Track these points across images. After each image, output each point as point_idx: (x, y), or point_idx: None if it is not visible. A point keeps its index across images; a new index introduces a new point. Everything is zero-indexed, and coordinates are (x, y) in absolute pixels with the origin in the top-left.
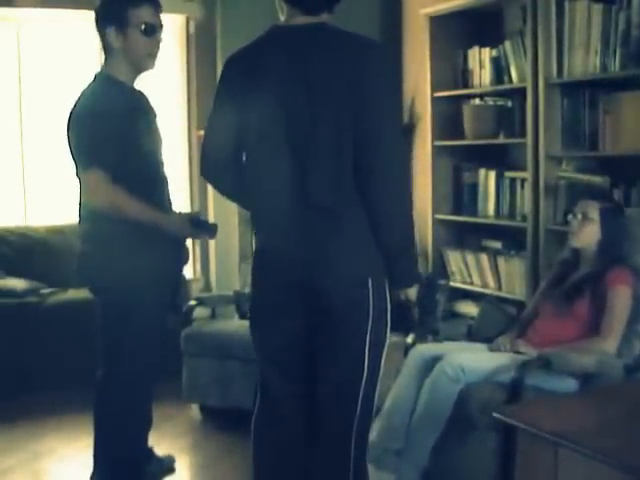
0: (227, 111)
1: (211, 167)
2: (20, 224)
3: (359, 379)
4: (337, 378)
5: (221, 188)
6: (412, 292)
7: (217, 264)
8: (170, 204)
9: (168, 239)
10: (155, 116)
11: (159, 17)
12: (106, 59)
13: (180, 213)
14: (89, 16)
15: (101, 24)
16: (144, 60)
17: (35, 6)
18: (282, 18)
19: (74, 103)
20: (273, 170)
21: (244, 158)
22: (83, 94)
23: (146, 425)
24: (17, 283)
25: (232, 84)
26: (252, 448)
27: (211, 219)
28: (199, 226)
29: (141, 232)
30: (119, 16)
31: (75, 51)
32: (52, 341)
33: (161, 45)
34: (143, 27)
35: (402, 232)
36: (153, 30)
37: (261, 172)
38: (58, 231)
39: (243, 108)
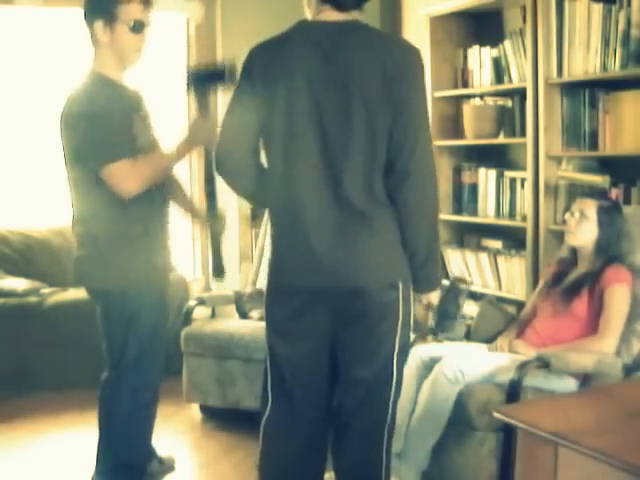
0: (249, 106)
1: (228, 164)
2: (21, 224)
3: (389, 384)
4: (369, 383)
5: (237, 186)
6: (434, 296)
7: None
8: (167, 203)
9: (161, 236)
10: (148, 115)
11: (148, 14)
12: (94, 55)
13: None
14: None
15: (89, 16)
16: (130, 55)
17: (35, 5)
18: (309, 13)
19: (66, 103)
20: (302, 171)
21: (266, 157)
22: (76, 94)
23: (150, 427)
24: (17, 283)
25: (257, 76)
26: (262, 451)
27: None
28: (211, 80)
29: (135, 232)
30: (108, 10)
31: (77, 50)
32: (52, 341)
33: (147, 40)
34: (132, 24)
35: (430, 236)
36: (141, 27)
37: (289, 172)
38: (58, 231)
39: (269, 103)
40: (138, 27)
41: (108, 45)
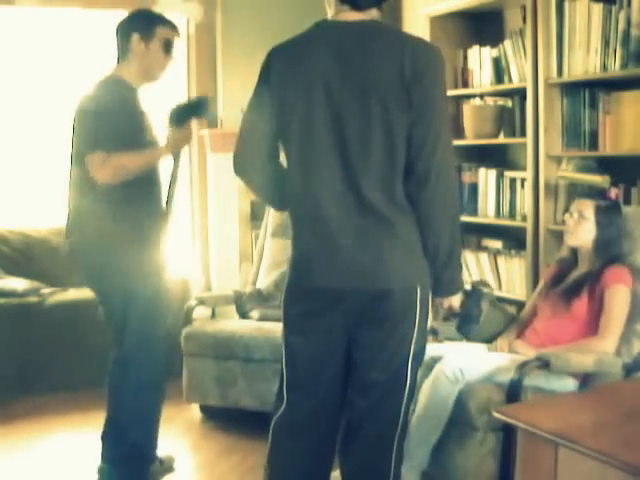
0: (266, 108)
1: (244, 165)
2: (21, 224)
3: (402, 389)
4: (382, 387)
5: (253, 187)
6: (456, 300)
7: (217, 264)
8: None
9: (154, 220)
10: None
11: (177, 39)
12: (119, 63)
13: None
14: (89, 14)
15: (128, 27)
16: (155, 71)
17: (35, 5)
18: (329, 13)
19: (80, 102)
20: (320, 173)
21: (286, 159)
22: (90, 93)
23: (157, 414)
24: (17, 283)
25: (275, 77)
26: (271, 450)
27: (211, 219)
28: (188, 114)
29: (127, 218)
30: (148, 27)
31: (77, 50)
32: (53, 341)
33: (171, 63)
34: (165, 43)
35: (452, 238)
36: (170, 48)
37: (307, 175)
38: (58, 231)
39: (287, 104)
40: (168, 47)
41: (139, 57)
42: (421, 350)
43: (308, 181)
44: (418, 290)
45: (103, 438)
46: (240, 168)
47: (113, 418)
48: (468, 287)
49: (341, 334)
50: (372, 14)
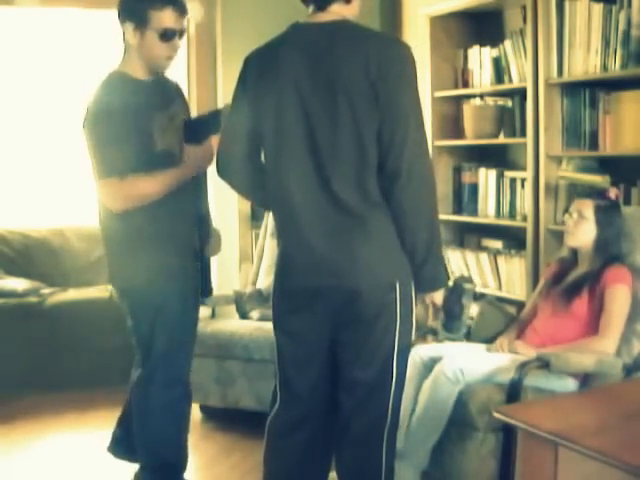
0: (244, 110)
1: (226, 166)
2: (20, 224)
3: (388, 385)
4: (368, 384)
5: (236, 188)
6: (438, 296)
7: (217, 264)
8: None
9: (182, 232)
10: (179, 108)
11: (182, 22)
12: (123, 55)
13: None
14: (90, 14)
15: (121, 18)
16: (158, 62)
17: (35, 5)
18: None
19: (88, 101)
20: (293, 174)
21: (263, 158)
22: (96, 92)
23: (185, 424)
24: (17, 283)
25: (250, 82)
26: (266, 449)
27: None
28: (200, 130)
29: (156, 229)
30: (139, 14)
31: (77, 50)
32: (52, 341)
33: (178, 48)
34: (162, 32)
35: (429, 234)
36: (172, 36)
37: (282, 174)
38: (58, 231)
39: (261, 107)
40: (168, 36)
41: (136, 49)
42: (407, 345)
43: (281, 181)
44: (397, 286)
45: (130, 443)
46: (223, 170)
47: (140, 434)
48: (450, 283)
49: (322, 333)
50: (341, 13)
